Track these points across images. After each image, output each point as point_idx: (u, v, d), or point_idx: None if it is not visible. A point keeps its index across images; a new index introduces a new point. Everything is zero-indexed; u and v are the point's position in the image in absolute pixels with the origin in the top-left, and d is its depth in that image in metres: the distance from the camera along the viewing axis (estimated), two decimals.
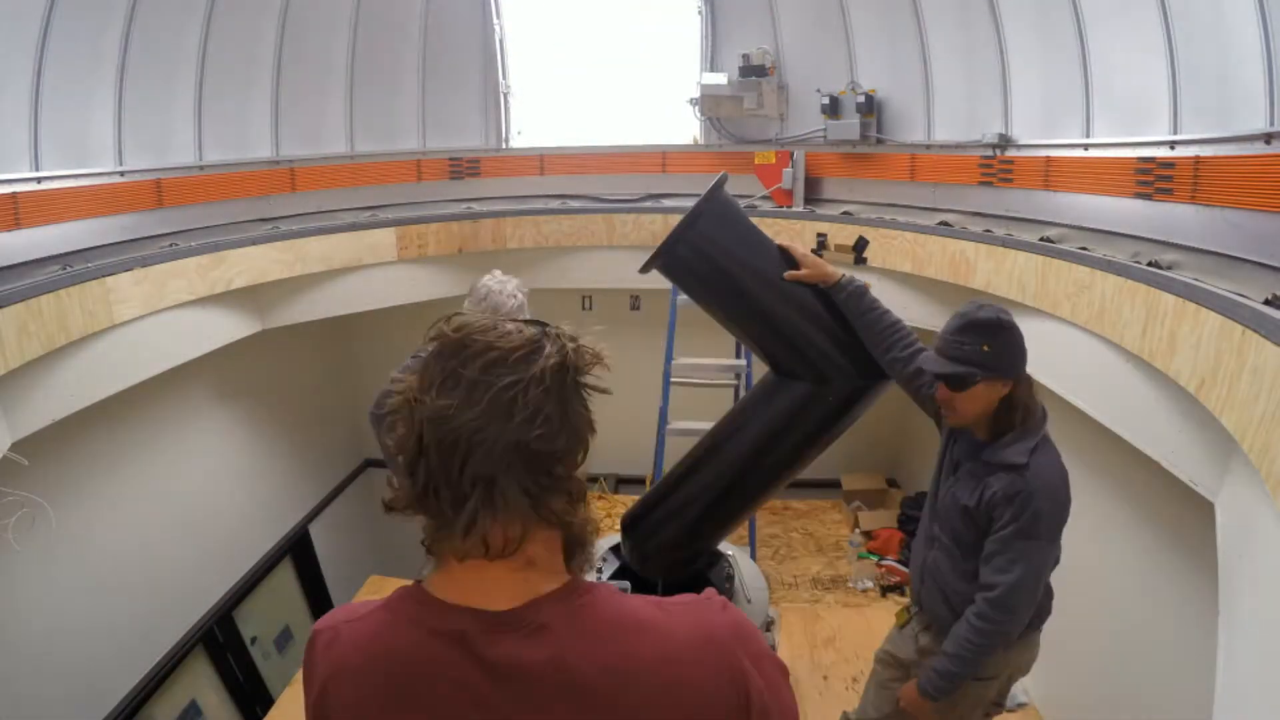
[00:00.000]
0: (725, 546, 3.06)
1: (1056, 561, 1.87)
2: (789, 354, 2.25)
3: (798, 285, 2.20)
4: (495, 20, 5.25)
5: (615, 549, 2.93)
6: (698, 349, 4.13)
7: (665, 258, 2.17)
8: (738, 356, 4.05)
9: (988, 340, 1.71)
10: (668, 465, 4.72)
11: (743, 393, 4.08)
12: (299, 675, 3.36)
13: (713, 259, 2.19)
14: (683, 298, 4.00)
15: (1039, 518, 1.73)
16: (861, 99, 4.38)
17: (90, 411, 3.15)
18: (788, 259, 2.07)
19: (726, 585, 2.78)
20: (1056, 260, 2.86)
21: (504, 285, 2.40)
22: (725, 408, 4.22)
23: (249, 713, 4.67)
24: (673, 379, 4.20)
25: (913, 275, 3.86)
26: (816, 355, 2.19)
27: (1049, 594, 1.99)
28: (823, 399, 2.19)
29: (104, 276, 3.11)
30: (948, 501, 1.92)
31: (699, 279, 2.26)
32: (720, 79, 4.94)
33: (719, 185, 2.16)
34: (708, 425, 4.20)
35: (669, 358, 4.08)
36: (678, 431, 4.19)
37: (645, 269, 2.24)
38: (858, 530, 4.94)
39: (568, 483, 0.76)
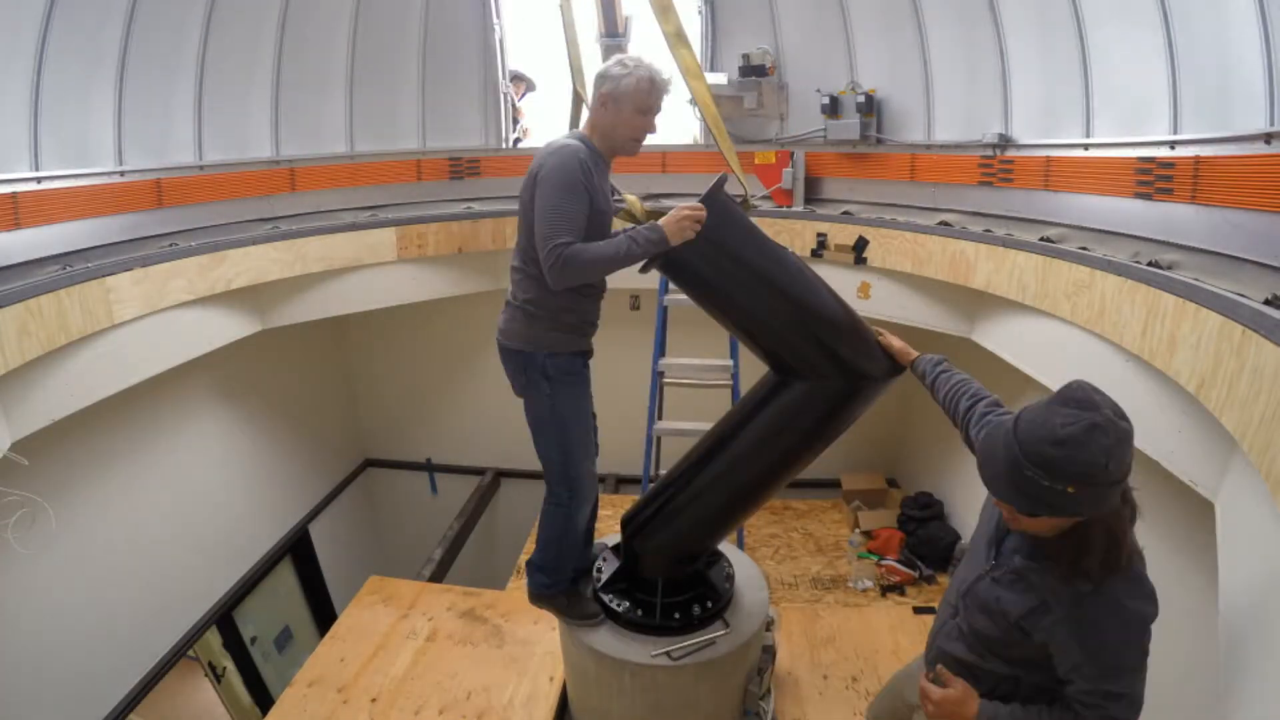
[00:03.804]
0: (724, 548, 3.06)
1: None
2: (788, 352, 2.26)
3: (796, 283, 2.21)
4: (495, 20, 5.25)
5: (615, 549, 2.93)
6: (695, 349, 4.13)
7: (665, 257, 2.18)
8: (731, 356, 4.05)
9: (1077, 485, 1.28)
10: (665, 465, 4.73)
11: (738, 392, 4.08)
12: (301, 673, 3.39)
13: (711, 258, 2.19)
14: (669, 297, 4.01)
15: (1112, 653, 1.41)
16: (861, 99, 4.38)
17: (90, 411, 3.15)
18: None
19: (726, 584, 2.79)
20: (1056, 260, 2.86)
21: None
22: (720, 407, 4.23)
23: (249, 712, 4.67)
24: (665, 379, 4.20)
25: (913, 275, 3.86)
26: (815, 354, 2.20)
27: None
28: (822, 397, 2.20)
29: (104, 276, 3.11)
30: (981, 593, 1.60)
31: (698, 278, 2.27)
32: (720, 79, 4.94)
33: (718, 186, 2.16)
34: (697, 425, 4.24)
35: (656, 357, 4.09)
36: (665, 431, 4.19)
37: (645, 269, 2.25)
38: (858, 530, 4.95)
39: None
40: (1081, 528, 1.37)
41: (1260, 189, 2.29)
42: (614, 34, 4.65)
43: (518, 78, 5.48)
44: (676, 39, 2.71)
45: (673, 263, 2.22)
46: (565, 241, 2.03)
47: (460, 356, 6.17)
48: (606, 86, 2.19)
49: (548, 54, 5.54)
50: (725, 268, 2.21)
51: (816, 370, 2.21)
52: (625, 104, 2.18)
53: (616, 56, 2.25)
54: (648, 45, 5.11)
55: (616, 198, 2.55)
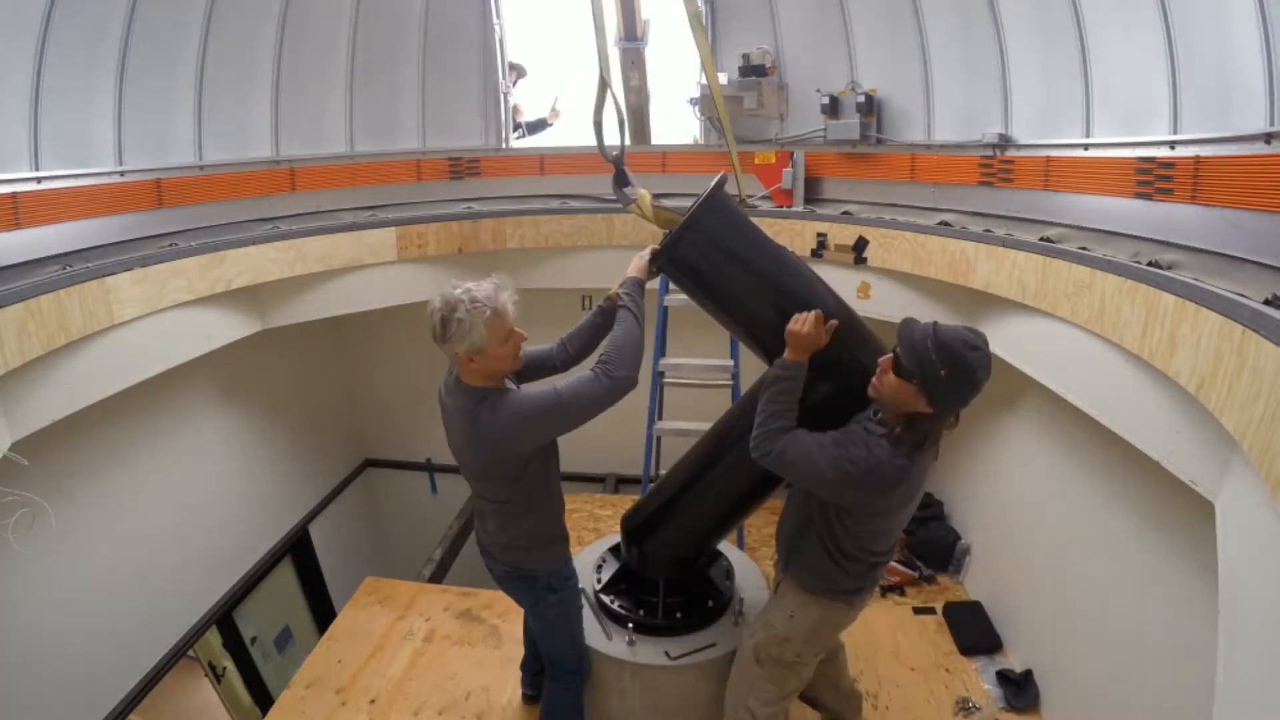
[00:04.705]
0: (724, 547, 3.06)
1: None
2: None
3: (797, 283, 2.21)
4: (495, 20, 5.25)
5: (615, 549, 2.93)
6: (695, 349, 4.13)
7: (667, 257, 2.18)
8: (731, 356, 4.05)
9: (949, 368, 1.79)
10: (665, 465, 4.72)
11: (738, 392, 4.08)
12: (298, 675, 3.38)
13: (713, 258, 2.19)
14: (669, 297, 4.01)
15: (858, 465, 1.90)
16: (861, 99, 4.38)
17: (90, 411, 3.16)
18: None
19: (727, 582, 2.79)
20: (1056, 260, 2.86)
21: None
22: (721, 407, 4.21)
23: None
24: (665, 379, 4.20)
25: (913, 275, 3.86)
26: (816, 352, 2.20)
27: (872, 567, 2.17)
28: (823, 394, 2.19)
29: (104, 276, 3.11)
30: None
31: (699, 278, 2.27)
32: (720, 79, 4.94)
33: (719, 185, 2.16)
34: (697, 425, 4.22)
35: (657, 357, 4.09)
36: (665, 431, 4.19)
37: (651, 273, 2.26)
38: None
39: None
40: (914, 418, 1.86)
41: (1260, 189, 2.29)
42: (633, 38, 4.66)
43: (510, 66, 5.50)
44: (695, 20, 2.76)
45: (674, 263, 2.22)
46: (609, 374, 2.06)
47: None
48: (463, 347, 2.06)
49: (543, 44, 5.58)
50: (726, 267, 2.21)
51: (816, 367, 2.20)
52: (490, 347, 2.06)
53: (443, 301, 2.08)
54: (664, 48, 5.14)
55: (628, 194, 2.54)
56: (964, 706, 3.18)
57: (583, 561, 2.98)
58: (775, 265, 2.20)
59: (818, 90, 4.58)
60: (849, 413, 2.08)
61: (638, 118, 5.21)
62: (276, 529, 5.29)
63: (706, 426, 4.33)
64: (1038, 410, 3.51)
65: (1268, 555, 1.66)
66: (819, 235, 4.34)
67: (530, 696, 3.13)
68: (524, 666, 3.13)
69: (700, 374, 4.17)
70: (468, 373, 2.15)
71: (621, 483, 5.86)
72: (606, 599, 2.74)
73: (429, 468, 6.46)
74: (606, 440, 5.76)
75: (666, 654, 2.51)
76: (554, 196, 5.34)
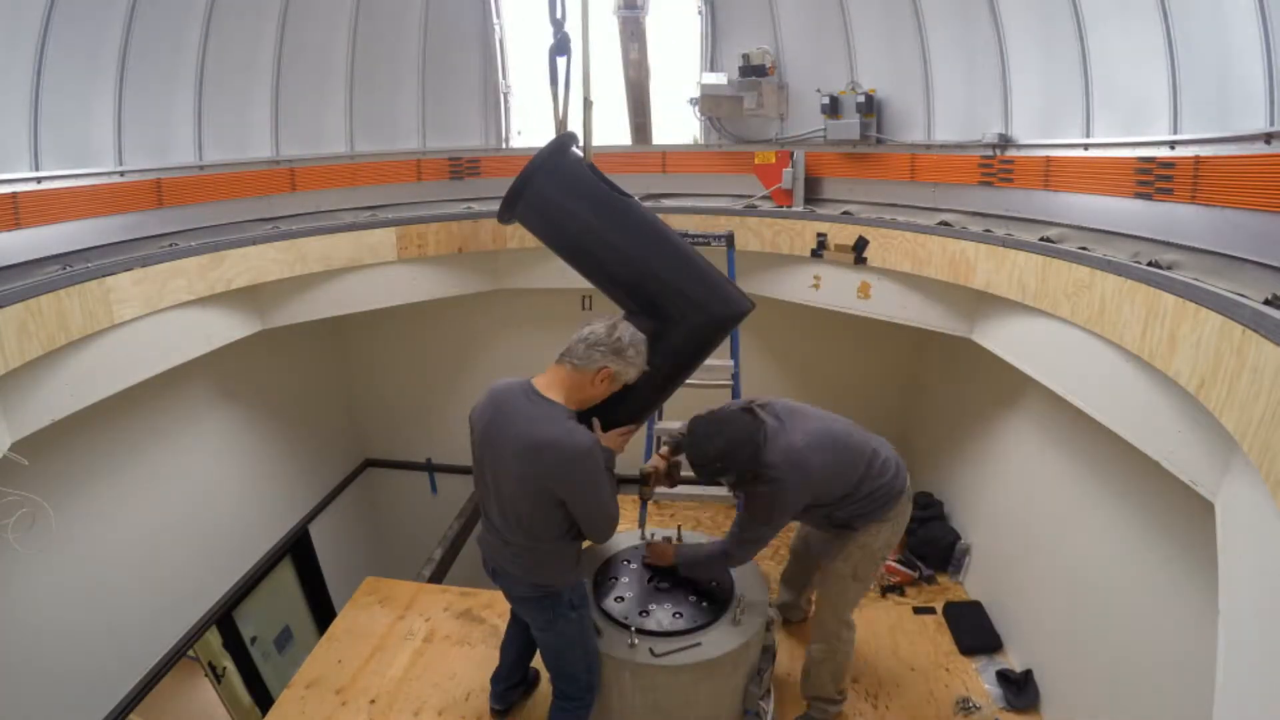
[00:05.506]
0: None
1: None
2: (639, 302, 2.44)
3: (633, 239, 2.39)
4: (495, 20, 5.26)
5: (612, 558, 2.92)
6: None
7: (505, 215, 2.39)
8: (731, 355, 4.05)
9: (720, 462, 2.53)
10: None
11: (738, 392, 4.08)
12: (298, 675, 3.38)
13: (550, 218, 2.41)
14: None
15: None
16: (861, 99, 4.38)
17: (90, 411, 3.15)
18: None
19: (727, 585, 2.79)
20: (1056, 260, 2.86)
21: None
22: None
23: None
24: None
25: (913, 275, 3.86)
26: (673, 299, 2.38)
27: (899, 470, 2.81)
28: (672, 334, 2.38)
29: (104, 276, 3.11)
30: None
31: (544, 235, 2.47)
32: (720, 79, 4.94)
33: (555, 148, 2.37)
34: None
35: None
36: (665, 431, 4.18)
37: (506, 220, 2.47)
38: None
39: None
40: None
41: (1260, 189, 2.29)
42: (633, 6, 4.66)
43: None
44: None
45: (517, 217, 2.41)
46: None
47: (460, 356, 6.18)
48: (616, 367, 2.22)
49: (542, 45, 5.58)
50: (565, 225, 2.41)
51: (666, 314, 2.38)
52: (616, 383, 2.28)
53: (624, 332, 2.24)
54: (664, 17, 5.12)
55: None
56: (964, 706, 3.18)
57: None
58: (616, 223, 2.37)
59: (818, 90, 4.59)
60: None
61: (638, 95, 5.18)
62: (276, 529, 5.29)
63: None
64: (1038, 410, 3.51)
65: (1268, 555, 1.66)
66: (819, 235, 4.33)
67: (498, 712, 3.08)
68: (496, 678, 3.06)
69: (700, 374, 4.17)
70: (578, 385, 2.26)
71: (622, 482, 5.86)
72: (608, 600, 2.75)
73: (429, 468, 6.46)
74: None
75: (661, 653, 2.50)
76: None
